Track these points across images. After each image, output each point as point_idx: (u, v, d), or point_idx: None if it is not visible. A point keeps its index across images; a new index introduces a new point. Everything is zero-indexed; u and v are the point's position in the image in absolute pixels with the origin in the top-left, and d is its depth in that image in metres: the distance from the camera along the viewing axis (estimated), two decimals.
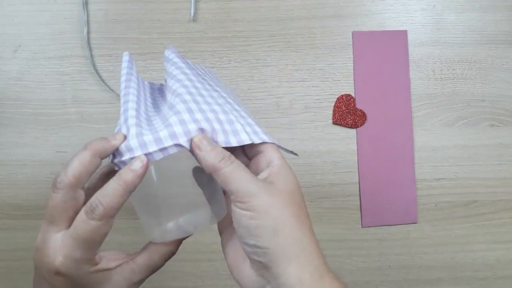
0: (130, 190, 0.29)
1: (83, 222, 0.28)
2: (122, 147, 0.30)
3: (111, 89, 0.59)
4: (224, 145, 0.31)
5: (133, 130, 0.30)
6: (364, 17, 0.61)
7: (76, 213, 0.30)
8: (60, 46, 0.60)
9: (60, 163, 0.59)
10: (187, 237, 0.33)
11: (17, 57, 0.60)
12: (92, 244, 0.29)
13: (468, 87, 0.61)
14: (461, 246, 0.61)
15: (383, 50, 0.61)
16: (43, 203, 0.59)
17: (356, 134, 0.60)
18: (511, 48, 0.62)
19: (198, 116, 0.31)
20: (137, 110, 0.32)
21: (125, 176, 0.29)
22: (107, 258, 0.32)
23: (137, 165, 0.29)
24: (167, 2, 0.60)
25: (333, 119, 0.60)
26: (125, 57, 0.37)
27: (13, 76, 0.60)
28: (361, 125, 0.60)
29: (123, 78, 0.35)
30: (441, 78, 0.61)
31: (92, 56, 0.60)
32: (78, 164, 0.30)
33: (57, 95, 0.60)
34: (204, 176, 0.33)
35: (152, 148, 0.29)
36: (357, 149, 0.60)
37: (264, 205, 0.29)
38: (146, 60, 0.60)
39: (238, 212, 0.29)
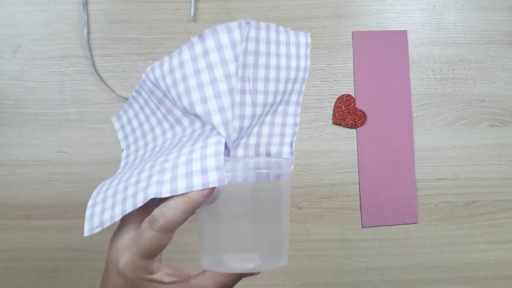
0: (193, 207, 0.29)
1: (145, 231, 0.29)
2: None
3: (111, 89, 0.59)
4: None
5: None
6: (364, 17, 0.61)
7: (145, 215, 0.31)
8: (60, 46, 0.60)
9: (60, 163, 0.59)
10: (246, 275, 0.32)
11: (17, 57, 0.60)
12: (150, 253, 0.30)
13: (468, 87, 0.61)
14: (461, 246, 0.61)
15: (383, 50, 0.61)
16: (43, 203, 0.59)
17: (356, 134, 0.60)
18: (511, 48, 0.62)
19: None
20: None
21: (191, 193, 0.29)
22: (165, 272, 0.32)
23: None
24: (167, 2, 0.60)
25: (333, 119, 0.60)
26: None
27: (13, 76, 0.60)
28: (361, 125, 0.60)
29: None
30: (441, 78, 0.61)
31: (92, 56, 0.60)
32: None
33: (57, 95, 0.60)
34: (270, 218, 0.32)
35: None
36: (357, 149, 0.60)
37: None
38: (146, 60, 0.60)
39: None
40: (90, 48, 0.60)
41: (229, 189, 0.30)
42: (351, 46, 0.61)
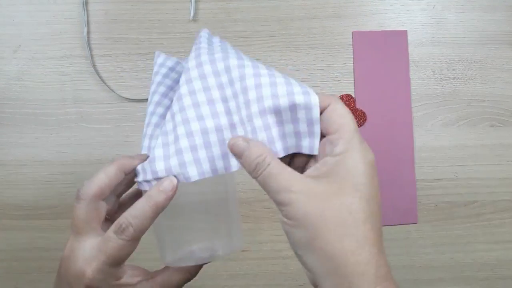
0: (159, 212, 0.29)
1: (113, 241, 0.29)
2: (148, 168, 0.30)
3: (111, 89, 0.59)
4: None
5: (159, 152, 0.29)
6: (364, 17, 0.61)
7: (99, 222, 0.31)
8: (60, 46, 0.60)
9: (60, 163, 0.59)
10: (206, 263, 0.33)
11: (17, 57, 0.60)
12: (118, 261, 0.30)
13: (468, 87, 0.61)
14: (461, 246, 0.61)
15: (383, 50, 0.61)
16: (43, 203, 0.59)
17: None
18: (511, 48, 0.62)
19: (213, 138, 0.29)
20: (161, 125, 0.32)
21: (156, 197, 0.29)
22: (130, 274, 0.32)
23: (167, 186, 0.29)
24: (167, 2, 0.60)
25: None
26: (158, 58, 0.35)
27: (13, 76, 0.60)
28: (361, 125, 0.60)
29: (155, 80, 0.34)
30: (441, 78, 0.61)
31: (92, 56, 0.60)
32: (103, 176, 0.31)
33: (57, 95, 0.60)
34: (222, 207, 0.32)
35: (176, 171, 0.29)
36: None
37: (298, 213, 0.26)
38: (146, 60, 0.60)
39: (280, 218, 0.27)
40: (90, 48, 0.60)
41: (183, 184, 0.30)
42: (351, 46, 0.61)
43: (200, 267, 0.33)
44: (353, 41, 0.61)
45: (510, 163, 0.61)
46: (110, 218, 0.33)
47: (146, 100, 0.39)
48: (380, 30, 0.61)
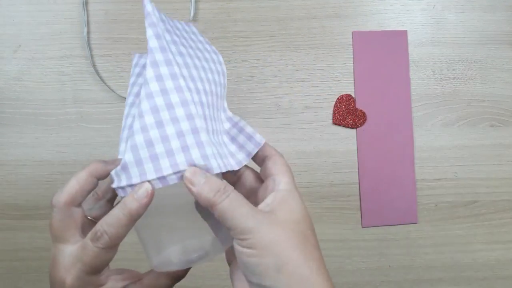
0: (135, 219, 0.29)
1: (89, 248, 0.29)
2: (122, 173, 0.29)
3: (111, 89, 0.59)
4: (222, 170, 0.30)
5: (129, 157, 0.28)
6: (364, 17, 0.61)
7: (76, 229, 0.30)
8: (60, 46, 0.60)
9: (60, 163, 0.59)
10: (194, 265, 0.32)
11: (17, 57, 0.60)
12: (96, 269, 0.30)
13: (468, 87, 0.61)
14: (461, 246, 0.61)
15: (383, 50, 0.61)
16: (43, 203, 0.59)
17: (356, 134, 0.60)
18: (511, 48, 0.62)
19: (190, 140, 0.28)
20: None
21: (130, 205, 0.28)
22: (115, 278, 0.32)
23: (142, 194, 0.28)
24: (167, 2, 0.60)
25: (333, 119, 0.60)
26: (133, 59, 0.35)
27: (13, 76, 0.60)
28: (361, 125, 0.60)
29: (130, 82, 0.34)
30: (441, 78, 0.61)
31: (92, 56, 0.60)
32: (74, 183, 0.30)
33: (57, 95, 0.60)
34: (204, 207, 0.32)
35: (151, 176, 0.28)
36: (357, 149, 0.60)
37: (264, 240, 0.26)
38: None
39: (238, 249, 0.27)
40: (90, 48, 0.60)
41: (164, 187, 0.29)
42: (351, 46, 0.61)
43: (188, 268, 0.33)
44: (353, 41, 0.61)
45: (510, 163, 0.61)
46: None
47: None
48: (380, 30, 0.61)
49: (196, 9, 0.60)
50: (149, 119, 0.28)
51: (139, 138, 0.28)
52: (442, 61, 0.62)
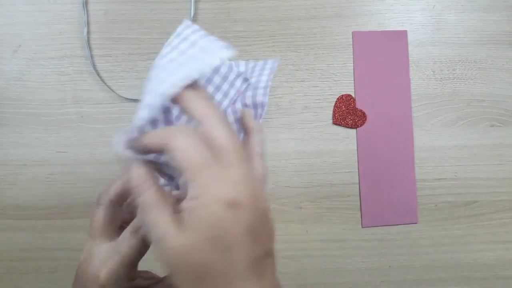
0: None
1: (126, 241, 0.30)
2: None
3: (111, 89, 0.59)
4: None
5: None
6: (364, 17, 0.61)
7: (116, 227, 0.32)
8: (60, 46, 0.60)
9: (60, 163, 0.59)
10: None
11: (17, 57, 0.60)
12: (133, 261, 0.31)
13: (468, 87, 0.61)
14: (461, 246, 0.61)
15: (383, 50, 0.61)
16: (43, 204, 0.59)
17: (356, 134, 0.60)
18: (511, 48, 0.62)
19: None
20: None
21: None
22: (141, 276, 0.33)
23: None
24: (167, 2, 0.60)
25: (333, 119, 0.60)
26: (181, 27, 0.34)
27: (13, 76, 0.60)
28: (361, 125, 0.60)
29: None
30: (441, 78, 0.61)
31: (92, 56, 0.60)
32: (121, 183, 0.32)
33: (57, 95, 0.60)
34: None
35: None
36: (357, 149, 0.60)
37: (181, 263, 0.24)
38: (146, 60, 0.60)
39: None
40: (90, 48, 0.60)
41: None
42: (351, 46, 0.61)
43: None
44: (353, 41, 0.61)
45: (510, 163, 0.61)
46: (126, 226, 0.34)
47: None
48: (380, 30, 0.61)
49: (196, 9, 0.60)
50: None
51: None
52: (442, 61, 0.62)
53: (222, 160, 0.24)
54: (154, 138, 0.26)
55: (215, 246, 0.24)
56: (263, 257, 0.26)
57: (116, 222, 0.32)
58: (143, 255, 0.31)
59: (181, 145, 0.24)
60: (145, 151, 0.27)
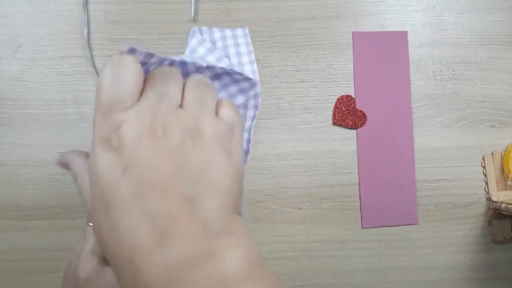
0: None
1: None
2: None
3: None
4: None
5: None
6: (364, 18, 0.61)
7: None
8: (60, 47, 0.60)
9: None
10: None
11: (17, 58, 0.60)
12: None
13: (468, 88, 0.61)
14: (461, 247, 0.61)
15: (383, 51, 0.61)
16: (43, 204, 0.59)
17: (356, 135, 0.60)
18: (511, 49, 0.62)
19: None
20: None
21: None
22: None
23: None
24: (167, 3, 0.60)
25: (333, 120, 0.60)
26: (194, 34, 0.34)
27: (13, 76, 0.60)
28: (361, 126, 0.60)
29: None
30: (441, 79, 0.61)
31: (92, 56, 0.60)
32: None
33: (57, 96, 0.60)
34: None
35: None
36: (357, 150, 0.60)
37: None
38: None
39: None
40: (90, 49, 0.60)
41: None
42: (351, 47, 0.61)
43: None
44: (353, 42, 0.61)
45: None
46: None
47: None
48: (380, 30, 0.61)
49: (196, 9, 0.60)
50: None
51: None
52: (442, 62, 0.62)
53: None
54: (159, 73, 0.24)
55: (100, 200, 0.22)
56: None
57: None
58: None
59: None
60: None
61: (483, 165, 0.61)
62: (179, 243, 0.19)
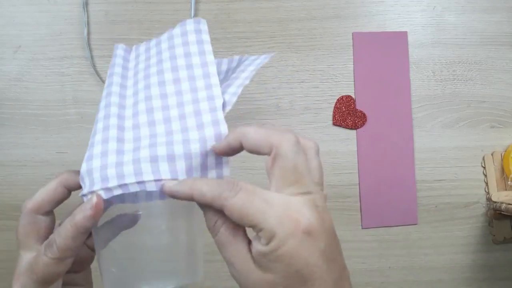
0: (82, 232, 0.27)
1: (40, 256, 0.28)
2: (82, 182, 0.28)
3: None
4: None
5: (83, 166, 0.28)
6: (364, 18, 0.61)
7: (39, 238, 0.29)
8: (60, 47, 0.60)
9: (60, 164, 0.59)
10: None
11: (17, 58, 0.60)
12: (45, 279, 0.28)
13: (468, 88, 0.61)
14: (461, 247, 0.61)
15: (383, 51, 0.61)
16: None
17: (356, 135, 0.60)
18: (511, 49, 0.62)
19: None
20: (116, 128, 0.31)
21: (76, 216, 0.27)
22: None
23: (87, 205, 0.26)
24: (167, 3, 0.60)
25: (333, 120, 0.60)
26: (117, 50, 0.35)
27: (13, 76, 0.60)
28: (361, 126, 0.60)
29: (109, 72, 0.34)
30: (441, 79, 0.61)
31: (92, 57, 0.60)
32: (42, 191, 0.30)
33: (57, 96, 0.60)
34: (179, 234, 0.29)
35: (113, 183, 0.26)
36: (357, 150, 0.60)
37: (289, 253, 0.23)
38: None
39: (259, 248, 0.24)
40: (90, 49, 0.60)
41: (147, 210, 0.28)
42: (351, 47, 0.61)
43: None
44: (353, 42, 0.61)
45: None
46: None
47: None
48: (380, 31, 0.61)
49: (196, 10, 0.60)
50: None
51: (90, 150, 0.29)
52: (442, 62, 0.62)
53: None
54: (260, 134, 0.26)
55: (296, 280, 0.24)
56: (341, 275, 0.26)
57: (38, 231, 0.29)
58: (60, 275, 0.28)
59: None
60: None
61: (483, 166, 0.61)
62: None
